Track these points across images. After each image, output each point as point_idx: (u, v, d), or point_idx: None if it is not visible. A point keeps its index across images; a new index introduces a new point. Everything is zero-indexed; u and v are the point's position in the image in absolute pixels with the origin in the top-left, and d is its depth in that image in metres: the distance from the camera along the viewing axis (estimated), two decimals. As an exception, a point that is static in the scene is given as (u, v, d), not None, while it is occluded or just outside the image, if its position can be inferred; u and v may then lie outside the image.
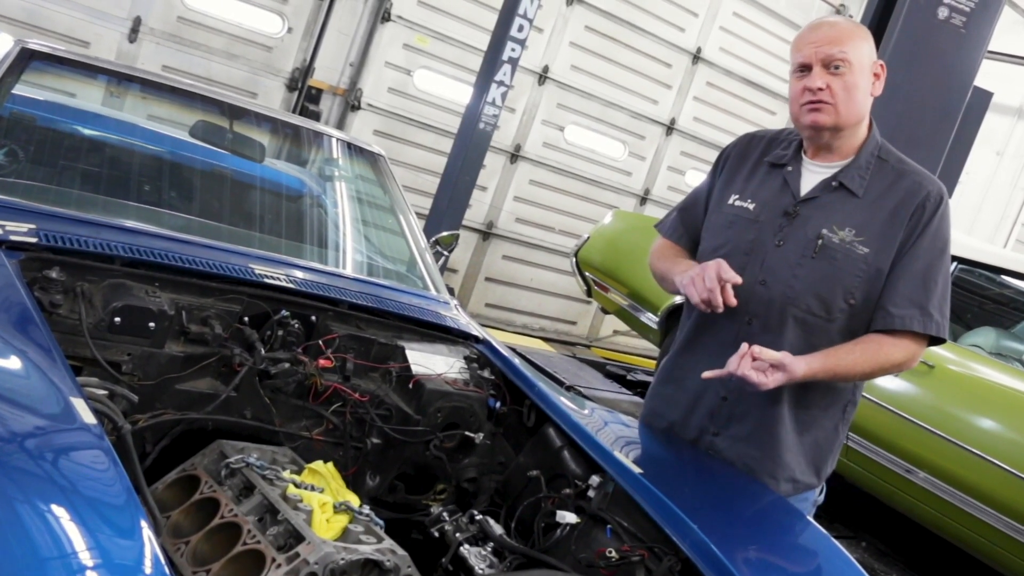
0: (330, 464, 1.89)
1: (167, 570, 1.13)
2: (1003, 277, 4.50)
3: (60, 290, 1.84)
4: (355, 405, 2.13)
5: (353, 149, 3.19)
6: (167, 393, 1.94)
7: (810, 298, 2.01)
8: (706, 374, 2.00)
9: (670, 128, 7.97)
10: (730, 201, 2.14)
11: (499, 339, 2.56)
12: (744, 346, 1.91)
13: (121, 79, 2.91)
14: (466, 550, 1.82)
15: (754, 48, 8.13)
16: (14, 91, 2.48)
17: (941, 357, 4.03)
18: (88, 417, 1.35)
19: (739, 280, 1.94)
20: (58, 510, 1.14)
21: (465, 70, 6.68)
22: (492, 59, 5.85)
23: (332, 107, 6.49)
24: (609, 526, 1.87)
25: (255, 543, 1.56)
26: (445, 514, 1.93)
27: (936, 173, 3.27)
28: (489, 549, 1.84)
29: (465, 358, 2.36)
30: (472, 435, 2.19)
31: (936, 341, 2.02)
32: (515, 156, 7.33)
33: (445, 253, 3.22)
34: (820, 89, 1.96)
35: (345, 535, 1.63)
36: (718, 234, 2.14)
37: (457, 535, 1.87)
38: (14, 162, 2.53)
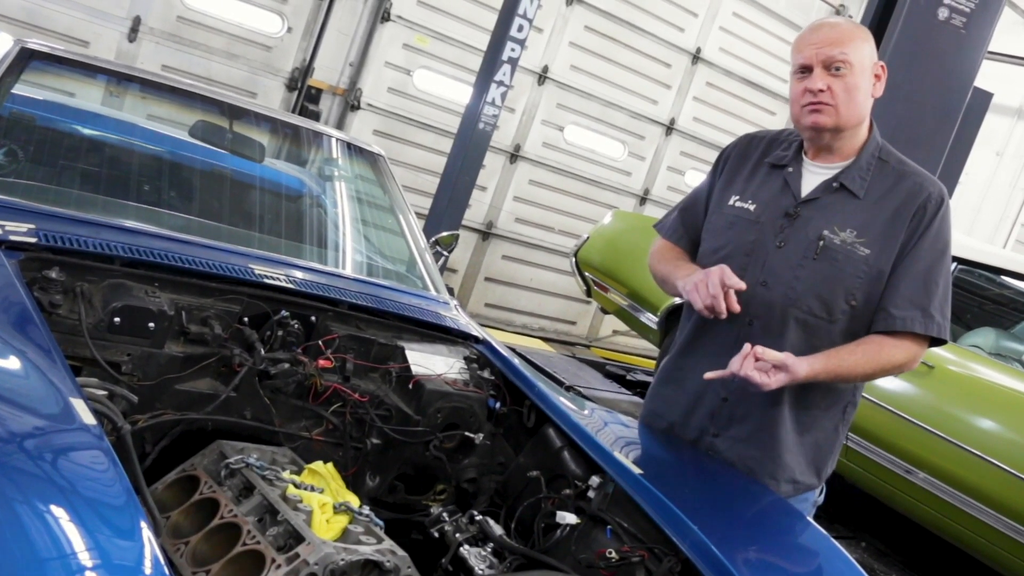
0: (330, 464, 1.89)
1: (167, 570, 1.13)
2: (1003, 277, 4.50)
3: (60, 290, 1.84)
4: (355, 405, 2.12)
5: (353, 149, 3.19)
6: (167, 393, 1.94)
7: (811, 299, 2.01)
8: (708, 375, 2.00)
9: (670, 128, 7.97)
10: (730, 202, 2.14)
11: (499, 339, 2.56)
12: (747, 347, 1.91)
13: (121, 79, 2.91)
14: (466, 551, 1.82)
15: (754, 48, 8.13)
16: (14, 91, 2.47)
17: (941, 358, 4.02)
18: (88, 417, 1.35)
19: (743, 286, 1.94)
20: (57, 511, 1.14)
21: (465, 70, 6.68)
22: (492, 59, 5.84)
23: (332, 107, 6.49)
24: (609, 527, 1.86)
25: (255, 544, 1.56)
26: (445, 514, 1.93)
27: (936, 174, 3.27)
28: (489, 550, 1.84)
29: (465, 358, 2.36)
30: (472, 435, 2.19)
31: (937, 342, 2.02)
32: (515, 156, 7.33)
33: (445, 253, 3.21)
34: (821, 91, 1.96)
35: (345, 536, 1.63)
36: (719, 235, 2.13)
37: (457, 535, 1.87)
38: (14, 162, 2.52)
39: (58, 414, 1.38)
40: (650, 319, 5.30)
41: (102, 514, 1.17)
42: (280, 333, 2.09)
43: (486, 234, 7.40)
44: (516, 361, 2.38)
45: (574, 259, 5.97)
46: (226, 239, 2.47)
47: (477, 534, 1.89)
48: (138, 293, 1.93)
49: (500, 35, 5.82)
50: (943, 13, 3.58)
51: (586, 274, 5.90)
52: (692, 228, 2.23)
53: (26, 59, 2.48)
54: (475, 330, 2.50)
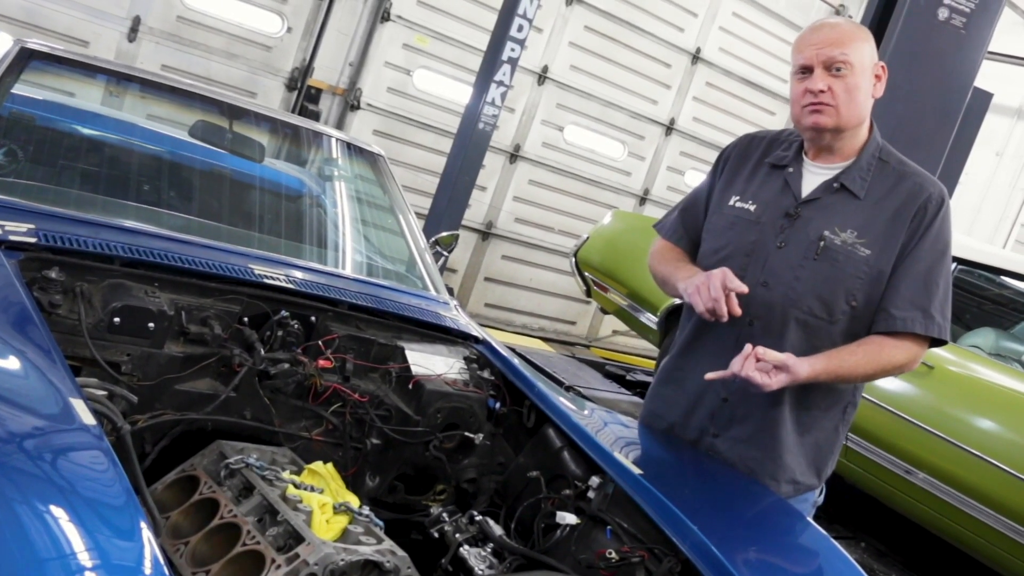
0: (330, 465, 1.88)
1: (166, 571, 1.13)
2: (1002, 278, 4.50)
3: (59, 290, 1.84)
4: (355, 406, 2.12)
5: (353, 149, 3.19)
6: (166, 393, 1.93)
7: (812, 300, 2.01)
8: (709, 375, 2.00)
9: (669, 128, 7.97)
10: (731, 202, 2.13)
11: (499, 339, 2.56)
12: (748, 347, 1.91)
13: (120, 79, 2.91)
14: (466, 551, 1.82)
15: (753, 48, 8.13)
16: (13, 91, 2.47)
17: (940, 358, 4.02)
18: (87, 418, 1.35)
19: (745, 289, 1.94)
20: (57, 511, 1.14)
21: (465, 70, 6.68)
22: (491, 59, 5.84)
23: (331, 107, 6.49)
24: (609, 527, 1.86)
25: (255, 544, 1.56)
26: (445, 515, 1.93)
27: (936, 174, 3.27)
28: (489, 550, 1.84)
29: (465, 358, 2.36)
30: (472, 436, 2.19)
31: (938, 343, 2.02)
32: (514, 156, 7.33)
33: (445, 253, 3.21)
34: (822, 91, 1.96)
35: (345, 536, 1.63)
36: (719, 235, 2.13)
37: (457, 536, 1.86)
38: (13, 162, 2.52)
39: (58, 414, 1.38)
40: (650, 319, 5.30)
41: (102, 514, 1.17)
42: (280, 333, 2.09)
43: (486, 234, 7.40)
44: (516, 361, 2.38)
45: (574, 259, 5.97)
46: (226, 239, 2.46)
47: (477, 534, 1.89)
48: (138, 293, 1.93)
49: (500, 35, 5.82)
50: (943, 13, 3.58)
51: (586, 274, 5.90)
52: (692, 228, 2.23)
53: (26, 59, 2.48)
54: (475, 330, 2.50)
